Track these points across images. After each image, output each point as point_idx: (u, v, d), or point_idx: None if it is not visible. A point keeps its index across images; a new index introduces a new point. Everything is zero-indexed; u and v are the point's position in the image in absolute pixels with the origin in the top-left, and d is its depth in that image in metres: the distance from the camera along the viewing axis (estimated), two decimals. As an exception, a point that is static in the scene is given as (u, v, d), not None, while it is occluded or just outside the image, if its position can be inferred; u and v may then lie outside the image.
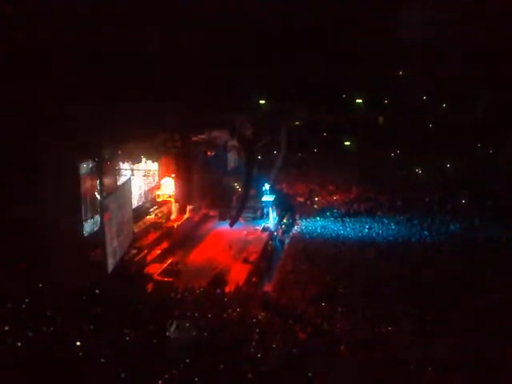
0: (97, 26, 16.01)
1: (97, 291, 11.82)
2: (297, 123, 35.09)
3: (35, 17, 14.38)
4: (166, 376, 7.83)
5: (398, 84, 33.61)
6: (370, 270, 19.32)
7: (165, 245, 23.28)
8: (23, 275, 10.95)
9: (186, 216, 26.59)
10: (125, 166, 22.37)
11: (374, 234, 24.66)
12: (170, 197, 26.07)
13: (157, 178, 26.33)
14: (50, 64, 14.42)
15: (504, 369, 10.15)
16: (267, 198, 29.39)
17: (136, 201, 23.99)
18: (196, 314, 12.19)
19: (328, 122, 34.52)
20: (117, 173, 21.48)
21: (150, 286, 18.35)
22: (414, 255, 21.21)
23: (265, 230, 27.38)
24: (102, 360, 7.74)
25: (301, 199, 31.60)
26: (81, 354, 7.74)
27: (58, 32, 14.69)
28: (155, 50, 18.63)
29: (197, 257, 22.82)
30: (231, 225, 26.55)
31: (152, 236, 23.41)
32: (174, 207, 26.30)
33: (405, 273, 18.76)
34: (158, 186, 26.43)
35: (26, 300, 9.41)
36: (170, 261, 21.26)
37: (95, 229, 19.13)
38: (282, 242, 26.00)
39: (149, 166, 25.25)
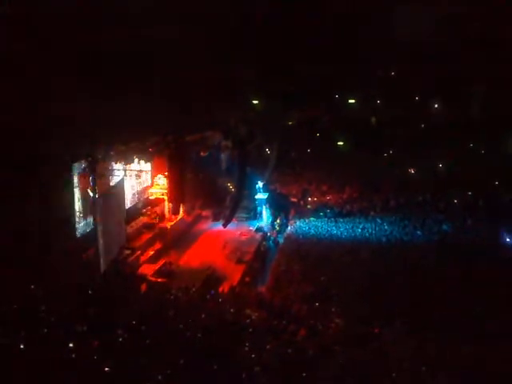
0: (91, 26, 15.94)
1: (90, 292, 11.76)
2: (290, 123, 35.08)
3: (32, 15, 14.30)
4: (160, 377, 7.80)
5: (390, 84, 33.67)
6: (364, 270, 19.39)
7: (158, 245, 23.21)
8: (16, 276, 10.86)
9: (180, 216, 26.51)
10: (118, 167, 22.28)
11: (367, 234, 24.76)
12: (162, 194, 25.94)
13: (150, 179, 26.25)
14: (44, 63, 14.34)
15: (498, 368, 10.21)
16: (260, 195, 29.39)
17: (129, 201, 23.91)
18: (190, 315, 12.16)
19: (321, 121, 34.55)
20: (110, 173, 21.39)
21: (143, 287, 18.28)
22: (406, 254, 21.30)
23: (258, 230, 27.39)
24: (96, 361, 7.70)
25: (294, 199, 31.63)
26: (73, 355, 7.68)
27: (55, 30, 14.61)
28: (149, 50, 18.56)
29: (190, 257, 22.78)
30: (225, 225, 26.52)
31: (145, 236, 23.33)
32: (167, 208, 26.22)
33: (398, 272, 18.84)
34: (151, 185, 26.30)
35: (19, 301, 9.34)
36: (163, 261, 21.21)
37: (88, 230, 19.06)
38: (275, 242, 26.01)
39: (142, 165, 25.18)
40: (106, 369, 7.57)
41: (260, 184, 29.67)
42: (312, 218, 28.23)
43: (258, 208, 29.29)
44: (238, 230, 27.17)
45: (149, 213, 25.32)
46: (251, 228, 27.69)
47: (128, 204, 23.48)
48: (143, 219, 24.75)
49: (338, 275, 19.06)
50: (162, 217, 25.62)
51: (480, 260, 19.69)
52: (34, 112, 13.77)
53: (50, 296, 10.42)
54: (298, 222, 27.68)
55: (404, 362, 10.69)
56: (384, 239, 23.84)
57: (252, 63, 24.47)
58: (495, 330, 13.34)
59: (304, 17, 25.41)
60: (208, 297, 16.58)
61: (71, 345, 7.83)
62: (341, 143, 34.13)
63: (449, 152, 31.24)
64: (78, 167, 18.18)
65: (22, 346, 7.26)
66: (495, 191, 28.40)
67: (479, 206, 27.42)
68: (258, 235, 26.64)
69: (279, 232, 27.17)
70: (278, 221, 28.46)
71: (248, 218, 29.22)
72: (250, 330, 12.01)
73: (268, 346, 10.75)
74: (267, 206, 29.18)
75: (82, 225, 18.89)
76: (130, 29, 17.93)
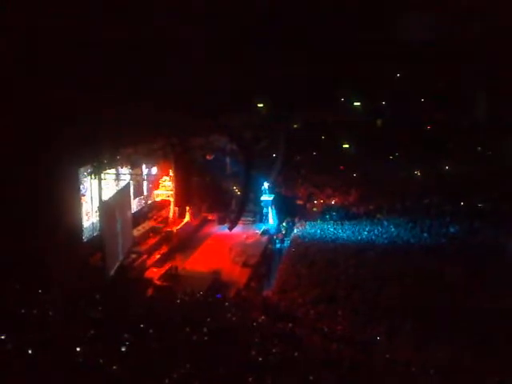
0: (97, 28, 15.99)
1: (97, 296, 11.80)
2: (295, 126, 35.09)
3: (33, 19, 14.36)
4: (167, 380, 7.81)
5: (396, 86, 33.62)
6: (370, 272, 19.32)
7: (164, 249, 23.26)
8: (23, 281, 10.91)
9: (186, 220, 26.56)
10: (124, 171, 22.38)
11: (373, 237, 24.65)
12: (168, 196, 25.93)
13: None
14: (49, 66, 14.41)
15: (504, 372, 10.16)
16: (266, 197, 29.33)
17: (135, 205, 23.99)
18: (196, 319, 12.16)
19: (326, 124, 34.53)
20: (116, 177, 21.49)
21: (149, 291, 18.32)
22: (413, 257, 21.20)
23: (264, 233, 27.38)
24: (102, 365, 7.72)
25: (300, 202, 31.61)
26: (81, 359, 7.71)
27: (58, 33, 14.67)
28: (153, 53, 18.63)
29: (196, 261, 22.79)
30: (230, 228, 26.52)
31: (151, 240, 23.38)
32: (174, 211, 26.26)
33: (405, 275, 18.75)
34: (156, 186, 26.35)
35: (26, 305, 9.39)
36: (169, 265, 21.24)
37: (95, 234, 19.14)
38: (281, 245, 25.98)
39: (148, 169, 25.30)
40: (113, 373, 7.59)
41: (266, 185, 29.63)
42: (318, 221, 28.19)
43: (264, 210, 29.26)
44: (244, 233, 27.17)
45: (155, 217, 25.38)
46: (257, 231, 27.70)
47: (134, 208, 23.56)
48: (149, 223, 24.81)
49: (344, 278, 18.99)
50: (167, 221, 25.68)
51: (487, 263, 19.58)
52: (40, 116, 13.84)
53: (57, 300, 10.46)
54: (303, 225, 27.63)
55: (410, 365, 10.66)
56: (390, 242, 23.74)
57: (257, 67, 24.51)
58: (501, 335, 13.23)
59: (308, 19, 25.44)
60: (214, 300, 16.58)
61: (78, 349, 7.85)
62: (346, 146, 34.07)
63: (456, 154, 31.15)
64: (84, 171, 18.27)
65: (29, 351, 7.29)
66: (503, 194, 28.21)
67: (486, 208, 27.26)
68: (264, 238, 26.64)
69: (285, 235, 27.15)
70: (284, 224, 28.46)
71: (254, 222, 29.25)
72: (257, 333, 12.00)
73: (274, 350, 10.74)
74: (273, 207, 29.16)
75: (88, 229, 18.96)
76: (135, 32, 18.00)
